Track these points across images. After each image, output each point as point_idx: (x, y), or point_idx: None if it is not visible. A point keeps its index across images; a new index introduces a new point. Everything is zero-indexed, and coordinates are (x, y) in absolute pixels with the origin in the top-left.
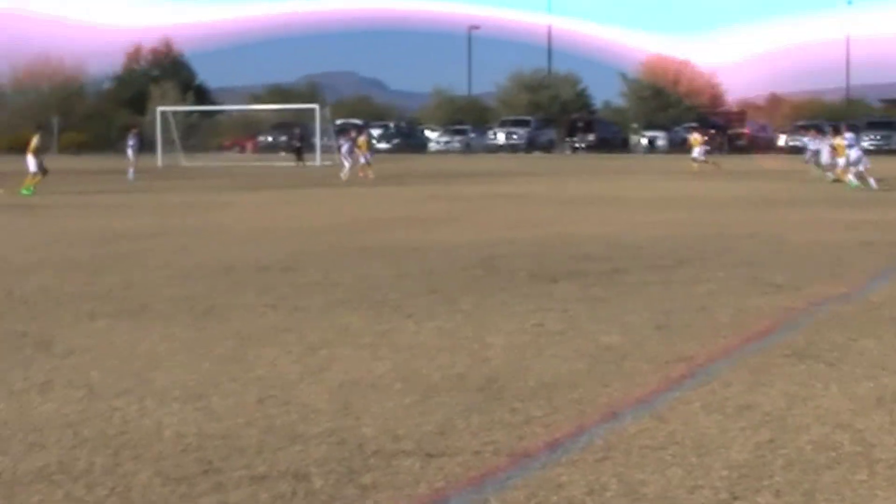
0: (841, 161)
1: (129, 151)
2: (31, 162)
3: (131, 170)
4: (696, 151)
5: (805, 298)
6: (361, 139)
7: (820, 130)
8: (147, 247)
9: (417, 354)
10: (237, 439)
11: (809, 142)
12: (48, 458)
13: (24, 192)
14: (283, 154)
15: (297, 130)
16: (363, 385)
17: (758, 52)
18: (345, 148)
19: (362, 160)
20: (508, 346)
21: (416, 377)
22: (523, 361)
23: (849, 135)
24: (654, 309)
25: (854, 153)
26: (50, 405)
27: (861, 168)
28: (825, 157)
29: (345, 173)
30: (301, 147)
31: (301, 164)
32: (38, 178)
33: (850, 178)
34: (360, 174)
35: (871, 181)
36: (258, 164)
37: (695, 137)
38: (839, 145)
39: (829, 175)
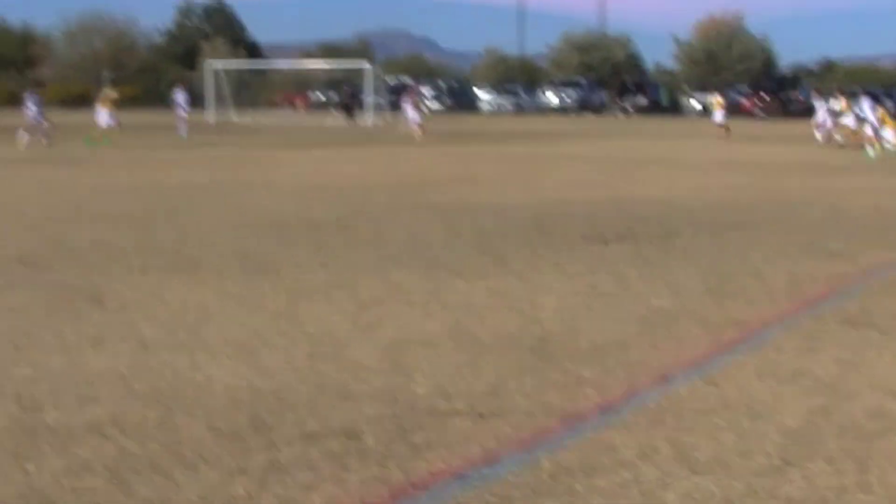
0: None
1: (179, 108)
2: (101, 115)
3: (184, 125)
4: (717, 115)
5: (860, 265)
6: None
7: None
8: (199, 201)
9: (469, 313)
10: (288, 395)
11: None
12: (100, 411)
13: (88, 142)
14: (334, 111)
15: (346, 88)
16: (414, 343)
17: (813, 14)
18: (409, 110)
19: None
20: (560, 307)
21: (467, 336)
22: (575, 322)
23: (867, 102)
24: (706, 273)
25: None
26: (102, 359)
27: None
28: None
29: (417, 133)
30: (351, 105)
31: (351, 121)
32: (105, 131)
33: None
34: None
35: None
36: (309, 121)
37: (717, 100)
38: (844, 109)
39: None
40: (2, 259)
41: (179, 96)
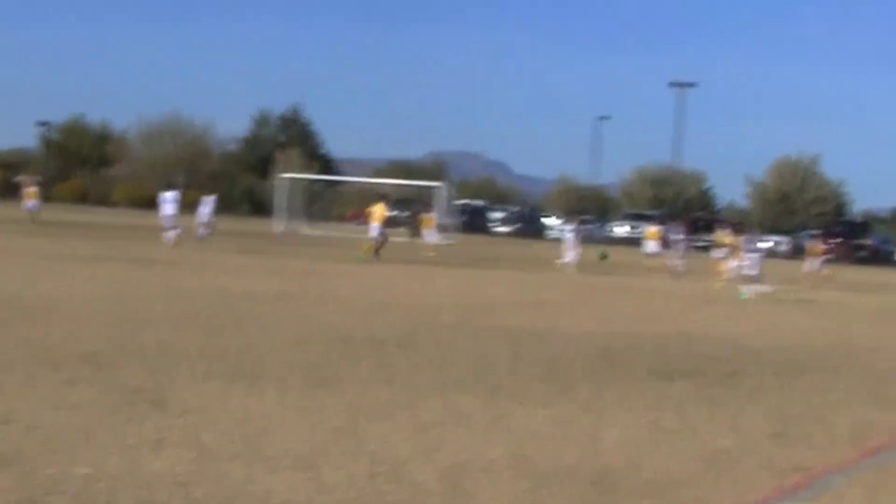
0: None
1: (205, 213)
2: (375, 229)
3: (201, 228)
4: (809, 263)
5: None
6: (427, 216)
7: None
8: (265, 310)
9: (529, 441)
10: None
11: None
12: None
13: (360, 256)
14: (402, 229)
15: (414, 207)
16: (474, 468)
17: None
18: (571, 235)
19: (430, 238)
20: (622, 441)
21: (526, 464)
22: (637, 457)
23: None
24: (771, 415)
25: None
26: (161, 463)
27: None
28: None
29: (569, 265)
30: (417, 223)
31: (414, 238)
32: (375, 245)
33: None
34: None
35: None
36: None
37: (817, 246)
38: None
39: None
40: (68, 356)
41: (207, 206)
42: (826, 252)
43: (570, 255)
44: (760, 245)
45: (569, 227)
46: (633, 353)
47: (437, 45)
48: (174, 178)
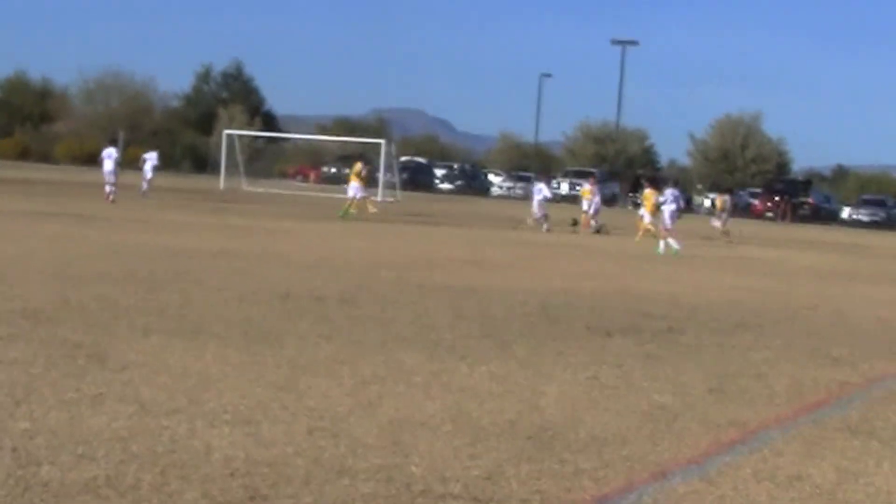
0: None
1: (148, 169)
2: (354, 188)
3: (145, 184)
4: (715, 219)
5: (862, 374)
6: (358, 167)
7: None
8: (206, 267)
9: (469, 397)
10: (285, 468)
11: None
12: (96, 471)
13: (342, 214)
14: (345, 186)
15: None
16: (413, 423)
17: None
18: (539, 195)
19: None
20: (561, 397)
21: (466, 420)
22: (575, 413)
23: (669, 191)
24: (708, 372)
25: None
26: (100, 418)
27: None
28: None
29: (544, 223)
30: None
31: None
32: (357, 203)
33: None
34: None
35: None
36: (321, 194)
37: (722, 200)
38: (647, 197)
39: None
40: (7, 312)
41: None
42: (764, 210)
43: (539, 212)
44: (675, 200)
45: (539, 185)
46: (571, 310)
47: (377, 3)
48: (115, 135)
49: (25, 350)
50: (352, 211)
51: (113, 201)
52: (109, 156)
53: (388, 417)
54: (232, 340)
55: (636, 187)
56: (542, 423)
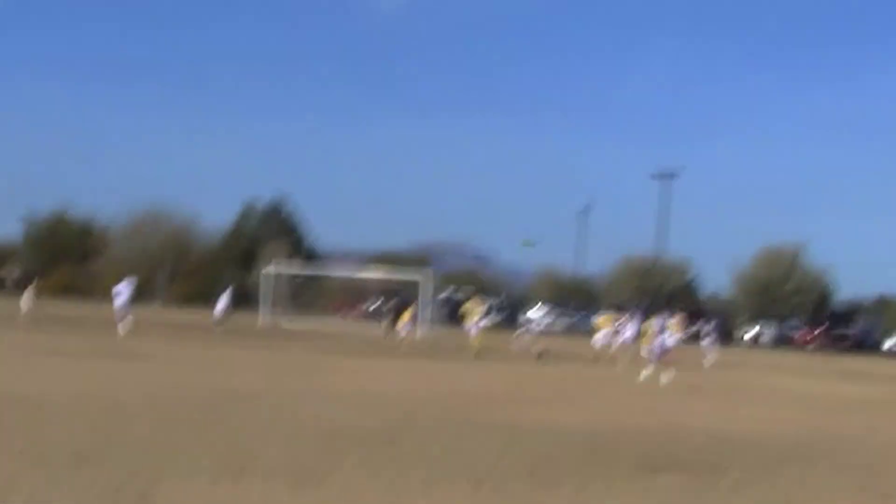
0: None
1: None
2: (473, 327)
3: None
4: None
5: None
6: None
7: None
8: (251, 406)
9: None
10: None
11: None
12: None
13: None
14: (385, 322)
15: (396, 299)
16: None
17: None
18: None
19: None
20: None
21: None
22: None
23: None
24: None
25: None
26: None
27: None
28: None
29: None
30: (394, 316)
31: (389, 333)
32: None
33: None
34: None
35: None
36: (362, 329)
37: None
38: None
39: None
40: (54, 454)
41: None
42: (807, 341)
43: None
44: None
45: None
46: (616, 447)
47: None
48: (128, 273)
49: (71, 491)
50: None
51: (127, 334)
52: (118, 292)
53: None
54: (278, 480)
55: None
56: None
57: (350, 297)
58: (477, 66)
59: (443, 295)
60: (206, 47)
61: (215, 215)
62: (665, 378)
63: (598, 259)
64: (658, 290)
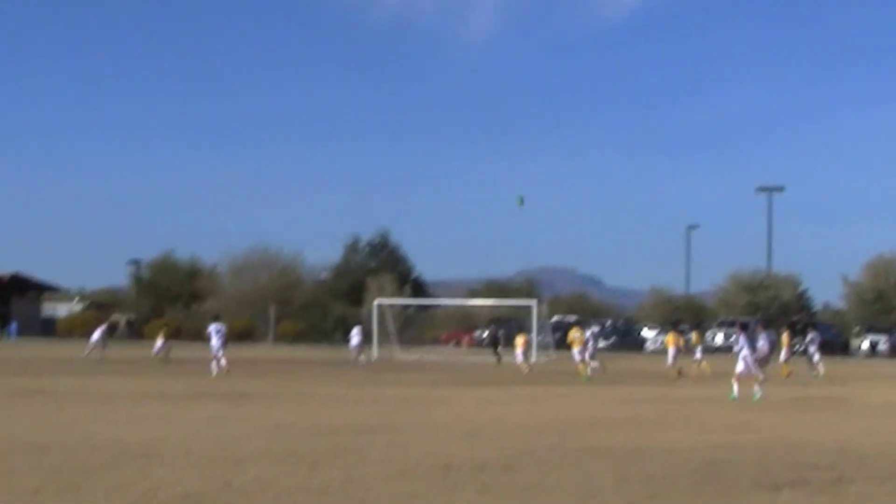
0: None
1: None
2: (577, 353)
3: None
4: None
5: None
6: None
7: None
8: (365, 441)
9: None
10: None
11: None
12: None
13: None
14: (497, 349)
15: (492, 327)
16: None
17: None
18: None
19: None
20: None
21: None
22: None
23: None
24: None
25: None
26: None
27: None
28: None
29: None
30: (497, 343)
31: (497, 360)
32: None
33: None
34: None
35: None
36: (474, 358)
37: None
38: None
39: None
40: (170, 498)
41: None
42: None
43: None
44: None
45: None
46: (735, 466)
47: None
48: (217, 312)
49: None
50: (583, 378)
51: (218, 375)
52: (217, 331)
53: None
54: None
55: (792, 334)
56: None
57: (460, 326)
58: (577, 96)
59: (553, 320)
60: (304, 102)
61: (321, 252)
62: (759, 392)
63: (706, 277)
64: (769, 304)
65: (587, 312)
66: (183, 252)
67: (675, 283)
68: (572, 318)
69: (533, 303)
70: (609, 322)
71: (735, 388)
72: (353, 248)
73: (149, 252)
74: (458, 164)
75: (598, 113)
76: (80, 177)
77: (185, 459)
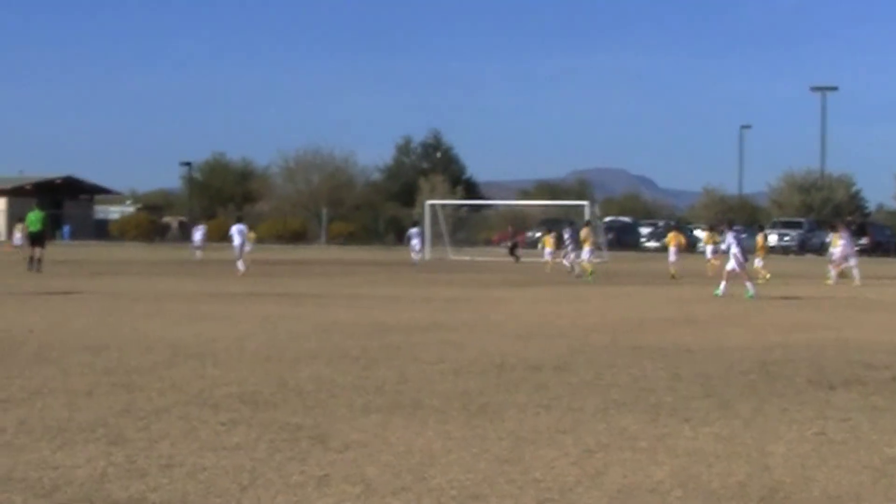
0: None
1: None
2: (586, 252)
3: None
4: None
5: None
6: (584, 232)
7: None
8: (419, 340)
9: (696, 460)
10: None
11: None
12: None
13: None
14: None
15: (510, 228)
16: (643, 490)
17: None
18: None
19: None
20: (789, 455)
21: (695, 484)
22: (805, 471)
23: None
24: None
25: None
26: (327, 500)
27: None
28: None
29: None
30: (514, 245)
31: (515, 259)
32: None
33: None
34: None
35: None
36: (526, 259)
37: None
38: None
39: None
40: (225, 397)
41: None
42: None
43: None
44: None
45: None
46: (790, 365)
47: (576, 66)
48: (240, 213)
49: (247, 434)
50: (587, 277)
51: (243, 275)
52: (240, 232)
53: (616, 486)
54: (451, 415)
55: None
56: (772, 483)
57: (513, 226)
58: None
59: (606, 220)
60: None
61: (372, 153)
62: (752, 289)
63: (760, 177)
64: (823, 205)
65: (640, 213)
66: (235, 153)
67: (728, 183)
68: (626, 218)
69: (585, 203)
70: (662, 223)
71: (722, 285)
72: (404, 148)
73: (201, 154)
74: (511, 64)
75: (651, 11)
76: (131, 79)
77: (239, 359)
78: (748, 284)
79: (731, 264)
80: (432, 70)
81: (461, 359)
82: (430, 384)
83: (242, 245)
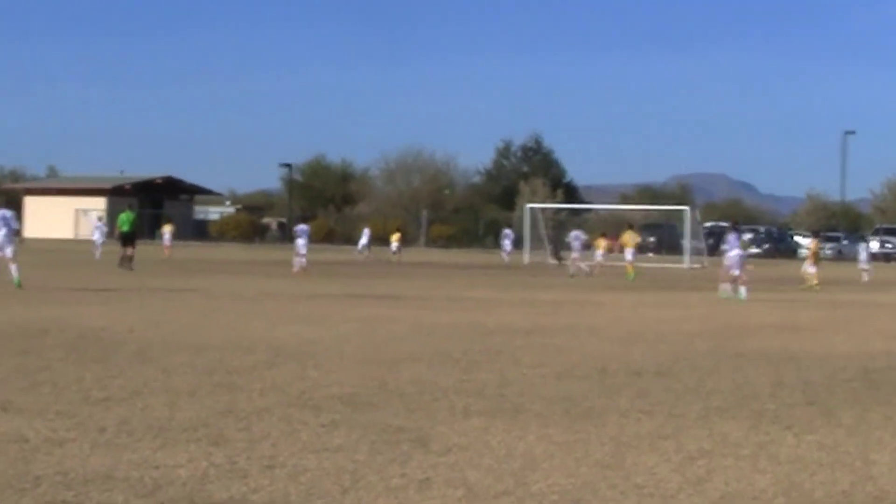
0: None
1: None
2: (629, 253)
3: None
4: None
5: None
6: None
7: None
8: (520, 344)
9: (798, 469)
10: None
11: None
12: None
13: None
14: (650, 255)
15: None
16: (745, 498)
17: None
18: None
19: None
20: (893, 464)
21: (798, 493)
22: None
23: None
24: None
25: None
26: (429, 503)
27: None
28: None
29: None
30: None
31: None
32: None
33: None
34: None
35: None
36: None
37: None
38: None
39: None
40: (326, 398)
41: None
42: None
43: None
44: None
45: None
46: (893, 373)
47: (677, 70)
48: (306, 213)
49: (348, 436)
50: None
51: (297, 274)
52: (304, 232)
53: (718, 493)
54: (553, 419)
55: None
56: (876, 492)
57: (613, 230)
58: None
59: (706, 226)
60: None
61: (472, 156)
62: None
63: (862, 184)
64: None
65: (741, 218)
66: (335, 155)
67: (830, 189)
68: (725, 224)
69: (686, 208)
70: (763, 229)
71: (742, 290)
72: (505, 151)
73: (301, 155)
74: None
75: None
76: (233, 80)
77: (340, 360)
78: (727, 286)
79: (736, 269)
80: (533, 73)
81: (563, 363)
82: (532, 388)
83: (305, 244)
